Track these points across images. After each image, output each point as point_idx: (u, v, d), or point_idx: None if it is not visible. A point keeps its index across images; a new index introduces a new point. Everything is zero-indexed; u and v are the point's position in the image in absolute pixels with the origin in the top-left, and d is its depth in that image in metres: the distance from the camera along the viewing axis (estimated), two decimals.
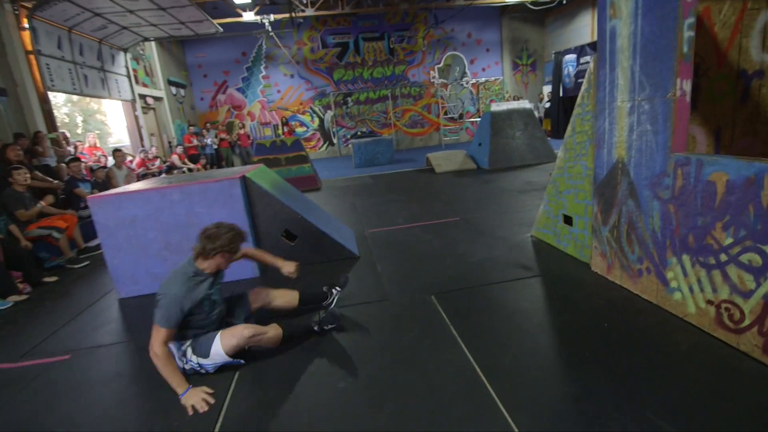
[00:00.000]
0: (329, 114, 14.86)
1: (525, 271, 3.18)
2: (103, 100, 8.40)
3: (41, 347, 2.79)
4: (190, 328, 2.16)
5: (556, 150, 9.24)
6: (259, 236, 3.56)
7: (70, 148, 7.16)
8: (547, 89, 14.36)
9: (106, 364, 2.52)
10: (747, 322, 1.94)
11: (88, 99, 7.87)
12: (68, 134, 7.57)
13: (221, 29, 9.38)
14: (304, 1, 11.64)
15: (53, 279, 4.20)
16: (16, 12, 6.49)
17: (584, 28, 13.00)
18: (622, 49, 2.47)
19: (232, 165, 13.00)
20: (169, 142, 11.65)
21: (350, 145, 13.05)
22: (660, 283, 2.42)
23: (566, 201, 3.33)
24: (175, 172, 8.88)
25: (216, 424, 1.86)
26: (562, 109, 13.03)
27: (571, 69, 12.22)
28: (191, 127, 12.29)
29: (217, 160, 11.97)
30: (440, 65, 14.82)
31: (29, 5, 6.56)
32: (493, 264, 3.38)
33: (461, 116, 15.28)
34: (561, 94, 12.87)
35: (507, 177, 7.43)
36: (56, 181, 5.45)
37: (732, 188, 1.92)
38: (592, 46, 11.22)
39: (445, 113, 15.15)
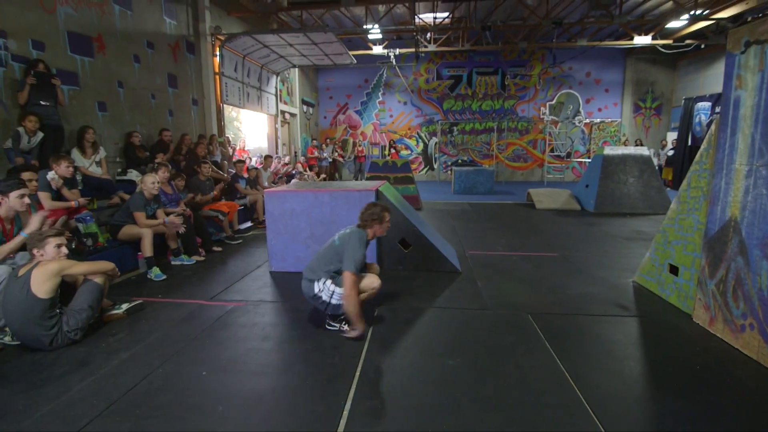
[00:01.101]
0: (434, 140, 15.71)
1: (622, 310, 3.38)
2: (241, 111, 10.35)
3: (223, 294, 3.82)
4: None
5: None
6: (380, 240, 4.31)
7: (230, 150, 8.96)
8: (672, 136, 13.37)
9: (271, 312, 3.41)
10: None
11: (229, 108, 9.78)
12: (231, 138, 9.45)
13: (355, 61, 10.83)
14: (428, 38, 12.75)
15: (219, 249, 5.46)
16: (213, 42, 8.48)
17: (721, 75, 11.94)
18: (744, 117, 2.68)
19: (341, 178, 14.50)
20: (295, 152, 13.51)
21: (450, 172, 13.64)
22: (762, 341, 2.51)
23: (674, 251, 3.46)
24: (298, 177, 10.39)
25: (356, 369, 2.52)
26: (688, 158, 11.99)
27: (703, 117, 11.30)
28: (314, 141, 14.11)
29: (330, 172, 13.52)
30: (552, 102, 14.77)
31: (222, 38, 8.51)
32: (590, 299, 3.62)
33: (569, 155, 14.93)
34: (689, 143, 11.91)
35: (613, 222, 7.30)
36: (226, 175, 6.98)
37: None
38: None
39: (552, 150, 14.95)
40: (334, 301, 2.87)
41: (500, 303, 3.54)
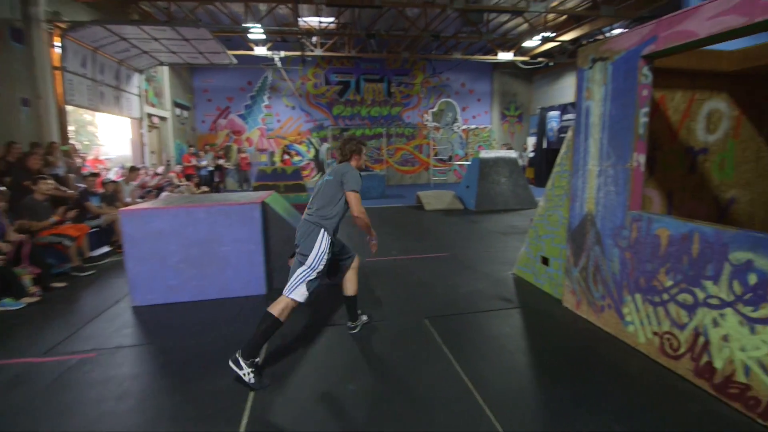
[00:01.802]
0: (325, 146, 15.49)
1: (507, 303, 3.62)
2: (96, 114, 8.86)
3: (64, 345, 3.03)
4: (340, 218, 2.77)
5: (537, 197, 9.97)
6: (270, 255, 3.93)
7: (78, 160, 7.44)
8: (531, 140, 15.41)
9: (131, 361, 2.79)
10: (683, 350, 2.41)
11: (81, 110, 8.30)
12: (78, 146, 7.86)
13: (235, 61, 10.02)
14: (314, 42, 12.51)
15: (63, 285, 4.41)
16: (50, 30, 6.94)
17: (568, 88, 14.25)
18: (594, 124, 3.07)
19: (226, 188, 13.34)
20: (168, 161, 11.96)
21: None
22: (618, 317, 2.90)
23: (544, 244, 3.84)
24: (168, 189, 9.16)
25: (243, 415, 2.17)
26: (545, 160, 13.98)
27: (554, 124, 13.27)
28: (191, 148, 12.69)
29: (210, 182, 12.30)
30: (434, 110, 15.81)
31: (64, 26, 7.03)
32: (479, 295, 3.81)
33: (450, 158, 16.14)
34: (545, 146, 13.87)
35: (492, 219, 8.01)
36: (71, 191, 5.72)
37: (672, 241, 2.44)
38: (574, 105, 12.30)
39: (436, 154, 15.98)
40: (314, 265, 2.62)
41: (399, 311, 3.49)
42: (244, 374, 2.36)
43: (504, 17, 11.12)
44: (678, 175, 3.51)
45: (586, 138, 3.15)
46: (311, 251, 2.62)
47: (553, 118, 13.33)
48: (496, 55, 12.70)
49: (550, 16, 10.73)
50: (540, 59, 13.05)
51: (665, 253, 2.49)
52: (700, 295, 2.28)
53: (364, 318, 3.25)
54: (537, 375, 2.51)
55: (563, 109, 12.82)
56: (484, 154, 9.72)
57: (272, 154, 15.10)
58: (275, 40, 12.20)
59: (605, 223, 2.98)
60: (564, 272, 3.53)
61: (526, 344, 2.91)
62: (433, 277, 4.36)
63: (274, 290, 3.89)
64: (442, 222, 7.74)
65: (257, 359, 2.48)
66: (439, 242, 6.03)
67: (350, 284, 3.04)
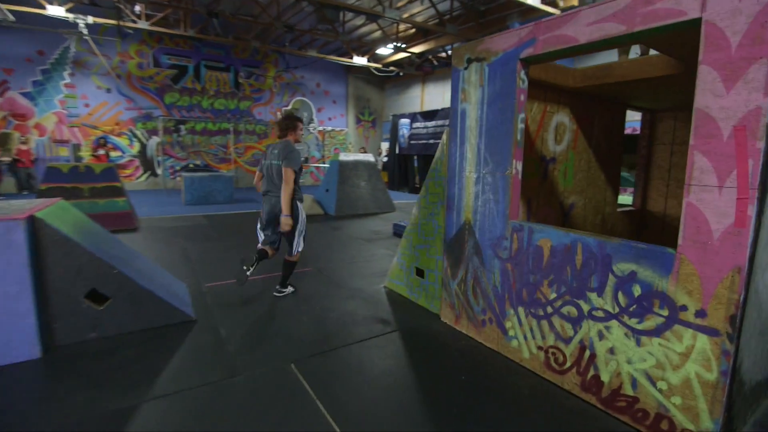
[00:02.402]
0: (155, 140, 12.92)
1: (384, 326, 3.18)
2: None
3: None
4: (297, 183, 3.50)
5: (395, 201, 10.18)
6: (48, 299, 2.59)
7: None
8: (385, 145, 15.96)
9: None
10: (568, 364, 2.33)
11: None
12: None
13: (12, 18, 7.25)
14: (137, 11, 10.16)
15: None
16: None
17: (416, 98, 15.20)
18: (470, 128, 2.87)
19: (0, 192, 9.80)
20: None
21: (179, 179, 11.51)
22: (500, 332, 2.74)
23: (419, 255, 3.56)
24: None
25: None
26: (397, 164, 14.61)
27: (405, 131, 13.94)
28: None
29: None
30: (288, 108, 14.88)
31: None
32: (352, 320, 3.28)
33: (306, 160, 15.46)
34: (397, 151, 14.48)
35: (353, 225, 7.68)
36: None
37: (555, 252, 2.35)
38: (423, 114, 13.13)
39: None
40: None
41: (255, 358, 2.67)
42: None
43: (359, 21, 11.05)
44: (535, 183, 3.67)
45: (462, 143, 2.95)
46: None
47: (404, 125, 14.00)
48: (351, 58, 12.60)
49: (402, 27, 11.14)
50: (392, 68, 13.53)
51: (548, 264, 2.40)
52: (585, 308, 2.21)
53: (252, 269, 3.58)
54: (426, 413, 2.09)
55: (413, 117, 13.57)
56: (344, 156, 9.39)
57: (76, 147, 11.78)
58: (81, 0, 9.45)
59: (484, 233, 2.81)
60: (441, 285, 3.29)
61: (410, 376, 2.49)
62: (297, 302, 3.64)
63: (60, 350, 2.59)
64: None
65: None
66: (301, 254, 5.31)
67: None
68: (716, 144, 1.67)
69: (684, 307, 1.82)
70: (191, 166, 13.35)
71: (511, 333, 2.67)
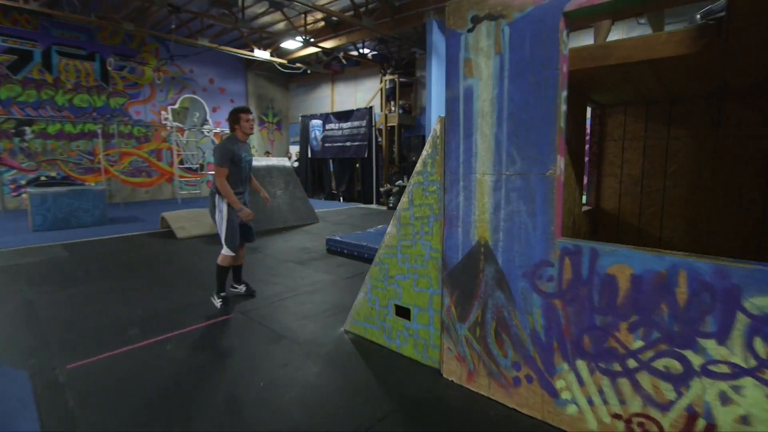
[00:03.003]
0: None
1: (367, 404, 2.19)
2: None
3: None
4: (233, 182, 3.38)
5: (317, 210, 9.04)
6: None
7: None
8: (294, 148, 14.59)
9: None
10: None
11: None
12: None
13: None
14: None
15: None
16: None
17: (325, 98, 14.16)
18: (482, 113, 2.06)
19: None
20: None
21: (26, 196, 8.67)
22: (546, 394, 1.99)
23: (400, 289, 2.65)
24: None
25: None
26: (310, 169, 13.41)
27: (317, 133, 12.82)
28: None
29: None
30: (175, 107, 12.58)
31: None
32: (313, 400, 2.21)
33: (202, 167, 13.31)
34: (309, 155, 13.27)
35: (275, 242, 6.41)
36: None
37: (638, 284, 1.66)
38: (337, 115, 12.18)
39: (181, 162, 12.79)
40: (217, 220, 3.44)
41: None
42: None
43: (261, 8, 9.64)
44: None
45: (468, 134, 2.13)
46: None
47: (316, 127, 12.89)
48: (252, 50, 11.05)
49: (310, 19, 10.05)
50: (298, 65, 12.31)
51: (627, 300, 1.70)
52: (696, 361, 1.56)
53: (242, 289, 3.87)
54: None
55: (326, 118, 12.54)
56: (254, 161, 7.95)
57: None
58: None
59: (512, 257, 2.02)
60: (440, 329, 2.43)
61: None
62: (217, 382, 2.42)
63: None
64: (207, 255, 5.50)
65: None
66: (212, 293, 3.97)
67: (239, 255, 3.79)
68: None
69: None
70: (43, 178, 10.35)
71: (564, 395, 1.93)
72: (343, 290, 4.06)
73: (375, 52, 12.15)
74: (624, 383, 1.75)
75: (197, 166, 13.19)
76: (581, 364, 1.86)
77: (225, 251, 3.42)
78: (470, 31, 2.06)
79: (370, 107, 11.29)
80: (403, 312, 2.67)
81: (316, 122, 12.80)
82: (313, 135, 12.98)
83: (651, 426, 1.69)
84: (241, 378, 2.42)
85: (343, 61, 12.94)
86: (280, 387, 2.33)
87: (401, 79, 11.22)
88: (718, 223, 3.50)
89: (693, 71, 2.72)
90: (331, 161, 12.83)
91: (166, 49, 11.40)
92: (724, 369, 1.50)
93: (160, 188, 12.40)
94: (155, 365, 2.56)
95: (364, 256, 5.22)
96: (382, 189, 11.22)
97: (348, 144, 11.75)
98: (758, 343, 1.43)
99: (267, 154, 13.99)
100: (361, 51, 11.80)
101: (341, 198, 12.56)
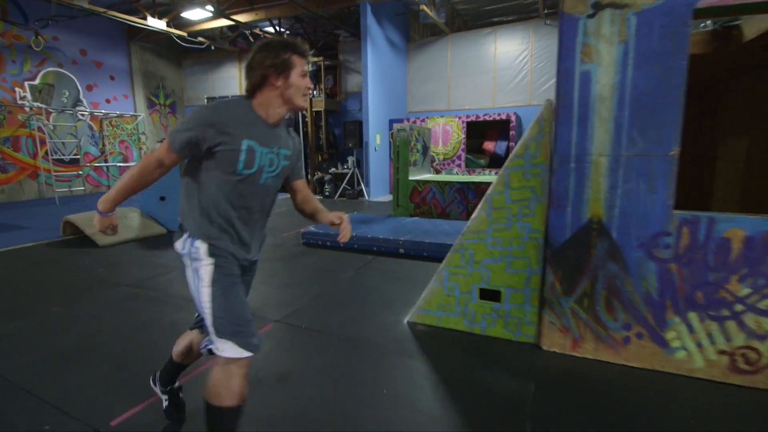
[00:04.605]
0: None
1: (518, 385, 2.23)
2: None
3: None
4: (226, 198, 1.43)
5: None
6: None
7: None
8: None
9: None
10: (765, 360, 2.09)
11: None
12: None
13: None
14: None
15: None
16: None
17: (232, 80, 12.78)
18: (601, 98, 2.20)
19: None
20: None
21: None
22: (657, 346, 2.29)
23: (488, 272, 2.69)
24: None
25: None
26: None
27: None
28: None
29: None
30: (35, 83, 9.89)
31: None
32: (462, 403, 2.15)
33: (79, 159, 10.84)
34: None
35: None
36: None
37: (750, 243, 2.04)
38: None
39: (51, 153, 10.21)
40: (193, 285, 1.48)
41: None
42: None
43: None
44: None
45: (584, 118, 2.26)
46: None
47: None
48: (145, 18, 9.29)
49: None
50: (201, 39, 10.80)
51: (739, 258, 2.07)
52: None
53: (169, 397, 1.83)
54: None
55: None
56: None
57: None
58: None
59: (628, 231, 2.25)
60: (539, 306, 2.56)
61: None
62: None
63: None
64: (146, 264, 4.59)
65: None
66: (176, 328, 3.39)
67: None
68: None
69: None
70: None
71: (674, 344, 2.25)
72: (368, 282, 3.89)
73: (290, 32, 11.41)
74: (730, 325, 2.13)
75: (69, 157, 10.67)
76: (692, 315, 2.20)
77: (228, 349, 1.39)
78: (590, 17, 2.17)
79: None
80: (490, 295, 2.72)
81: None
82: None
83: (751, 354, 2.12)
84: (364, 392, 2.19)
85: (251, 38, 11.83)
86: (410, 390, 2.18)
87: (326, 62, 10.80)
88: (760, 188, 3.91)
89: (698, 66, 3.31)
90: None
91: (20, 10, 8.79)
92: None
93: (21, 186, 9.71)
94: None
95: (353, 246, 5.03)
96: (312, 178, 10.77)
97: None
98: None
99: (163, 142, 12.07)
100: (277, 29, 10.93)
101: None
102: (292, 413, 1.96)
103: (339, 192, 10.10)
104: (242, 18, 9.64)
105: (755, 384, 2.13)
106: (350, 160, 10.13)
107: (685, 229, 2.15)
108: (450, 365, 2.42)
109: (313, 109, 10.83)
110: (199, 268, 1.44)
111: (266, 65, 1.40)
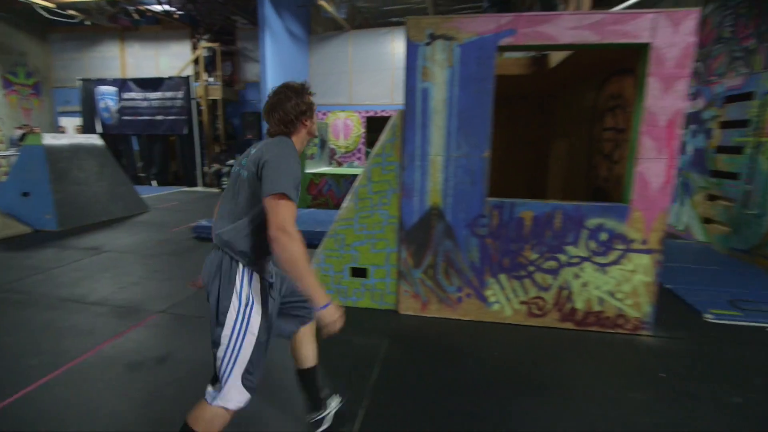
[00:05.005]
0: None
1: (373, 342, 2.72)
2: None
3: None
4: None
5: (142, 195, 7.72)
6: None
7: None
8: (71, 121, 11.43)
9: None
10: (549, 306, 2.90)
11: None
12: None
13: None
14: None
15: None
16: None
17: (112, 60, 11.55)
18: (436, 110, 2.78)
19: None
20: None
21: None
22: (480, 302, 2.99)
23: (358, 253, 3.16)
24: None
25: None
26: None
27: (111, 103, 10.50)
28: None
29: None
30: None
31: None
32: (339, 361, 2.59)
33: None
34: (100, 130, 10.74)
35: (116, 238, 5.45)
36: None
37: (536, 221, 2.80)
38: (141, 82, 10.25)
39: None
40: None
41: None
42: None
43: None
44: None
45: (425, 125, 2.82)
46: (228, 305, 1.40)
47: (108, 95, 10.53)
48: None
49: None
50: (72, 12, 9.61)
51: (530, 232, 2.82)
52: (563, 259, 2.81)
53: (333, 404, 1.84)
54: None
55: (122, 85, 10.38)
56: (51, 139, 6.20)
57: None
58: None
59: (458, 214, 2.89)
60: (396, 278, 3.12)
61: (431, 374, 2.38)
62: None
63: None
64: (14, 268, 4.28)
65: None
66: (52, 326, 3.35)
67: (306, 348, 1.79)
68: (656, 131, 2.54)
69: (633, 240, 2.70)
70: None
71: (492, 299, 2.97)
72: None
73: (182, 12, 10.72)
74: (527, 282, 2.90)
75: None
76: (502, 277, 2.92)
77: (232, 398, 1.40)
78: (428, 44, 2.72)
79: (187, 76, 10.06)
80: (359, 272, 3.20)
81: (108, 89, 10.44)
82: (103, 105, 10.54)
83: (540, 302, 2.91)
84: None
85: (136, 15, 10.86)
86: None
87: (223, 48, 10.41)
88: (515, 182, 5.27)
89: (519, 83, 4.15)
90: (134, 138, 10.81)
91: None
92: (576, 260, 2.80)
93: None
94: None
95: None
96: (208, 170, 10.37)
97: (160, 118, 10.19)
98: (591, 243, 2.75)
99: (25, 128, 10.48)
100: (165, 7, 10.20)
101: (154, 182, 10.85)
102: (170, 393, 2.18)
103: None
104: None
105: (545, 324, 2.93)
106: None
107: (495, 212, 2.85)
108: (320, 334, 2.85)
109: (209, 97, 10.39)
110: (246, 294, 1.42)
111: (301, 110, 1.52)
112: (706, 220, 5.21)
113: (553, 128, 5.16)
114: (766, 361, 2.53)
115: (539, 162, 5.53)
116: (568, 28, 2.53)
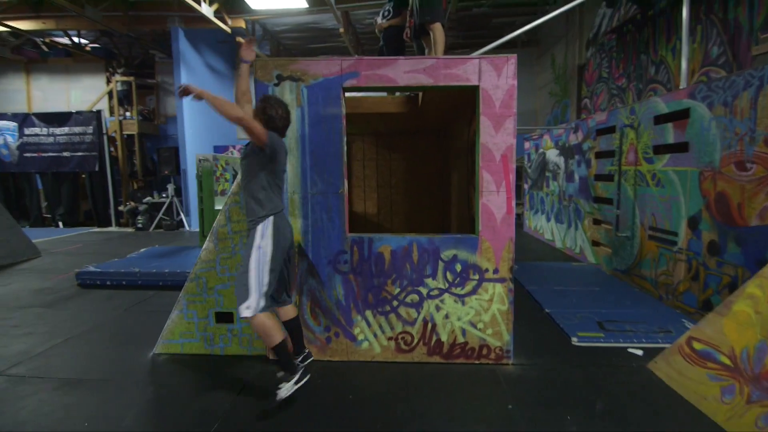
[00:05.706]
0: None
1: (224, 391, 2.53)
2: None
3: None
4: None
5: (33, 240, 7.02)
6: None
7: None
8: None
9: None
10: (416, 340, 2.88)
11: None
12: None
13: None
14: None
15: None
16: None
17: (17, 93, 10.77)
18: (290, 149, 2.77)
19: None
20: None
21: None
22: (349, 341, 2.92)
23: (221, 297, 3.00)
24: None
25: None
26: (0, 187, 9.95)
27: (10, 139, 9.67)
28: None
29: None
30: None
31: None
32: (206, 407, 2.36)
33: None
34: None
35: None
36: None
37: (395, 255, 2.81)
38: (45, 117, 9.57)
39: None
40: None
41: None
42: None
43: None
44: None
45: None
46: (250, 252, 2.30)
47: (6, 130, 9.70)
48: None
49: None
50: None
51: (390, 266, 2.82)
52: (424, 291, 2.82)
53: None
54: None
55: (24, 119, 9.63)
56: None
57: None
58: None
59: (319, 252, 2.85)
60: None
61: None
62: None
63: None
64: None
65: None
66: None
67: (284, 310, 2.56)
68: (493, 165, 2.68)
69: (487, 270, 2.78)
70: None
71: (360, 337, 2.91)
72: (131, 320, 3.80)
73: (96, 45, 10.31)
74: (392, 317, 2.87)
75: None
76: (368, 313, 2.88)
77: (255, 307, 2.25)
78: (276, 85, 2.73)
79: (98, 111, 9.54)
80: (224, 317, 3.03)
81: (6, 125, 9.63)
82: (1, 141, 9.68)
83: (407, 337, 2.89)
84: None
85: (44, 48, 10.30)
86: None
87: (138, 82, 10.05)
88: (423, 214, 5.46)
89: (403, 119, 4.32)
90: (38, 176, 9.96)
91: None
92: (435, 292, 2.83)
93: None
94: None
95: (137, 283, 4.81)
96: (123, 208, 9.73)
97: (67, 155, 9.50)
98: (448, 275, 2.80)
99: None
100: (76, 40, 9.75)
101: (60, 223, 9.97)
102: None
103: (155, 223, 9.35)
104: (24, 25, 8.35)
105: (413, 359, 2.90)
106: (170, 188, 9.53)
107: (355, 248, 2.83)
108: (170, 389, 2.61)
109: (124, 132, 9.90)
110: (266, 236, 2.31)
111: (281, 115, 2.38)
112: (594, 243, 5.59)
113: (447, 161, 5.40)
114: (614, 384, 2.62)
115: (443, 193, 5.73)
116: (405, 72, 2.66)
